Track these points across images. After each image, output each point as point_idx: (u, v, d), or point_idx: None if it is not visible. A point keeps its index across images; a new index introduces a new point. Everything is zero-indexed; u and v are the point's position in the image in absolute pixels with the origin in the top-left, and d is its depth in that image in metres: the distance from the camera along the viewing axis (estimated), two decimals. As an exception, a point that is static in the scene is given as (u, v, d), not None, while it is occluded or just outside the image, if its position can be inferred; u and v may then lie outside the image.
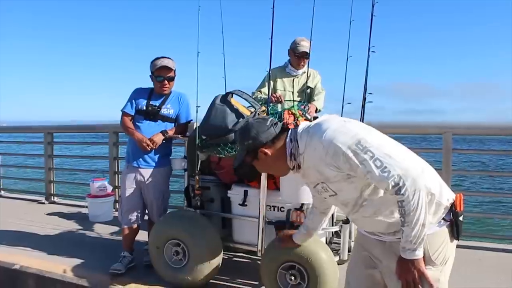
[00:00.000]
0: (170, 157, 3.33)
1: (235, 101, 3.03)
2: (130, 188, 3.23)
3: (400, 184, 1.39)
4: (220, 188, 3.07)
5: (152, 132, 3.19)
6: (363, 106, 2.90)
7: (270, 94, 3.17)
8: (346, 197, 1.59)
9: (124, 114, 3.29)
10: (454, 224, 1.51)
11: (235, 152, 2.78)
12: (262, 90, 3.50)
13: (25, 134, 7.23)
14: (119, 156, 5.39)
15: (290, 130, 1.70)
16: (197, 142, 2.91)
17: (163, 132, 3.19)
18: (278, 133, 1.69)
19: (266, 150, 1.67)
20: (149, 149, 3.14)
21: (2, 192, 6.75)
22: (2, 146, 6.97)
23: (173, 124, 3.30)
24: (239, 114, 2.89)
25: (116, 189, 5.27)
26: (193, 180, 3.02)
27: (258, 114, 2.90)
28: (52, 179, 6.12)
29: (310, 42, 3.29)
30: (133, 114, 3.26)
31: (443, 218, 1.52)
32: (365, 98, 2.90)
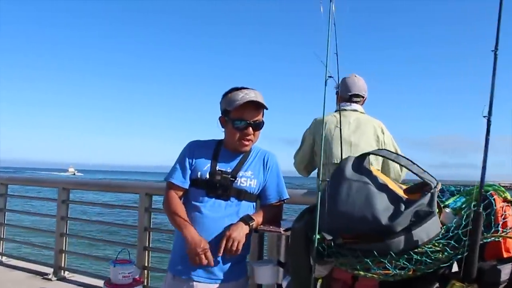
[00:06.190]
0: (247, 261, 1.96)
1: (375, 168, 1.69)
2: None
3: None
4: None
5: (221, 218, 1.85)
6: None
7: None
8: None
9: (170, 186, 1.98)
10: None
11: (399, 271, 1.39)
12: None
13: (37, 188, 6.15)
14: (151, 226, 4.04)
15: None
16: (315, 245, 1.53)
17: (246, 220, 1.83)
18: None
19: None
20: (207, 262, 1.79)
21: (4, 258, 5.50)
22: (10, 201, 5.77)
23: (254, 203, 1.97)
24: (392, 195, 1.53)
25: (146, 271, 3.92)
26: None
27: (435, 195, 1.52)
28: (64, 248, 4.82)
29: None
30: (186, 187, 1.96)
31: None
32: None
